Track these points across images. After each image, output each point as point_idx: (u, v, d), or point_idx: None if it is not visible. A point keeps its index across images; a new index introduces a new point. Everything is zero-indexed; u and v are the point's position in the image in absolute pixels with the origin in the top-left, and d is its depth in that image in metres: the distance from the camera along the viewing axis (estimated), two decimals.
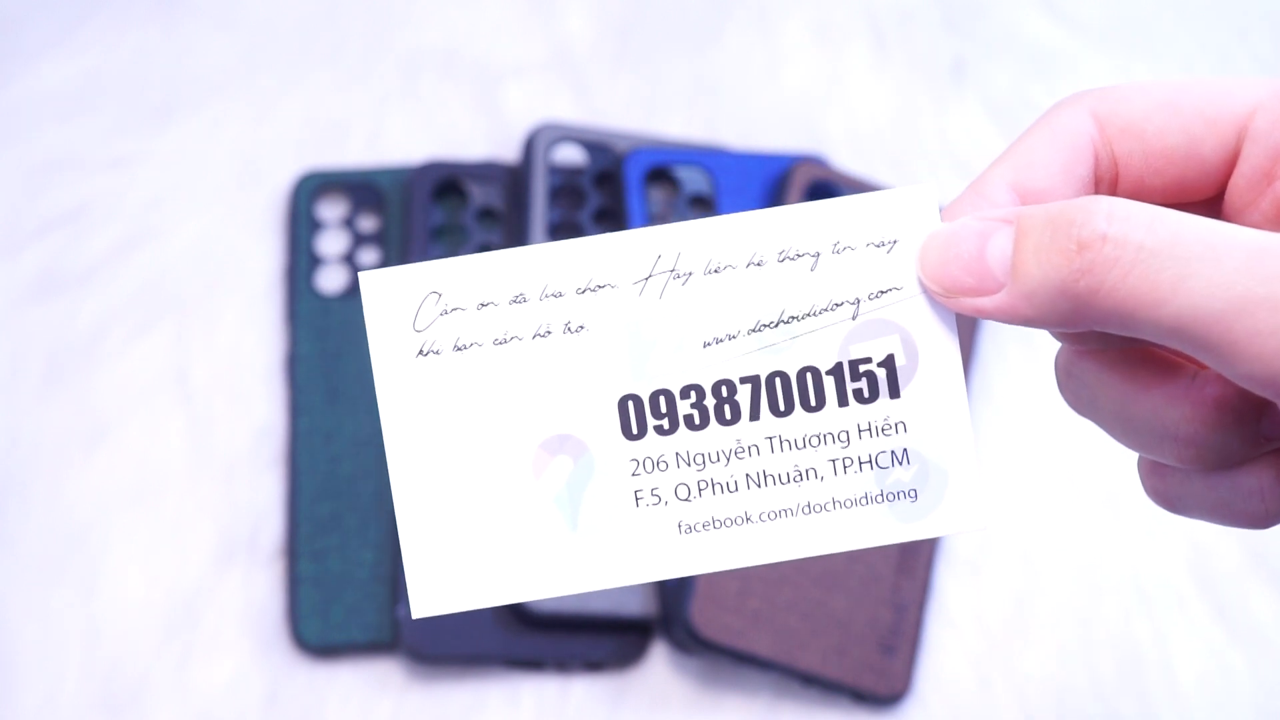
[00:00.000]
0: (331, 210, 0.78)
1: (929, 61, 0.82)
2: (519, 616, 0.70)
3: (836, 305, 0.40)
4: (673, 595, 0.68)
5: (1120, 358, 0.40)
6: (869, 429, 0.40)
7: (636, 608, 0.70)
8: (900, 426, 0.40)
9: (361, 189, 0.77)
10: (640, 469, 0.40)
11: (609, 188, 0.76)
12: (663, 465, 0.40)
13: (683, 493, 0.41)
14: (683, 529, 0.41)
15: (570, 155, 0.77)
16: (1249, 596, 0.73)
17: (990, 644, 0.72)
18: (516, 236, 0.75)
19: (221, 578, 0.72)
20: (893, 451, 0.40)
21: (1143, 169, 0.40)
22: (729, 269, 0.40)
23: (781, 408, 0.40)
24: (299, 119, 0.80)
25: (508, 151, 0.78)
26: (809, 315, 0.40)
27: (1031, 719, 0.71)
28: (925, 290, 0.40)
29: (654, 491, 0.40)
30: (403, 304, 0.40)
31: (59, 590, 0.72)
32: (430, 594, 0.40)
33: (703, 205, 0.76)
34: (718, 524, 0.40)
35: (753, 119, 0.80)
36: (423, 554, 0.40)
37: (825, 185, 0.75)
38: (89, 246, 0.77)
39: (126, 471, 0.73)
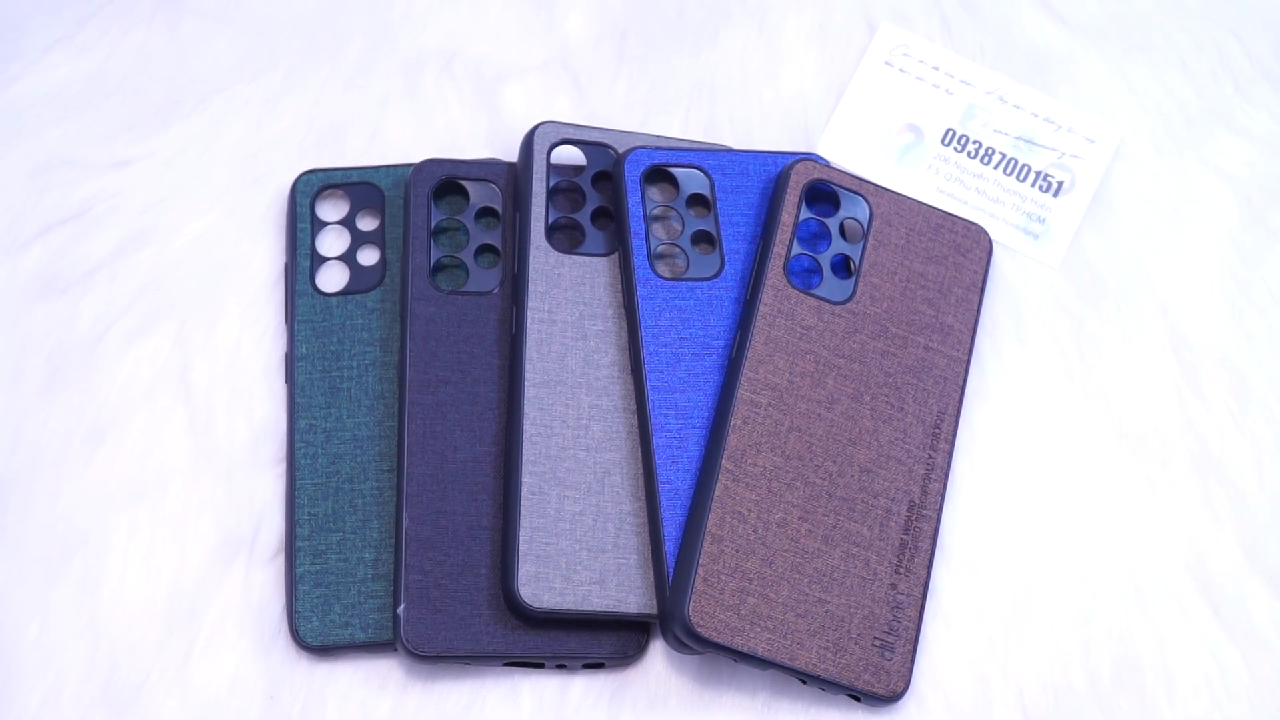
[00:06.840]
0: (331, 210, 0.78)
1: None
2: (518, 615, 0.70)
3: (1055, 148, 0.80)
4: (671, 594, 0.68)
5: None
6: (1037, 200, 0.80)
7: (635, 606, 0.70)
8: (1048, 206, 0.79)
9: (361, 188, 0.78)
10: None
11: (608, 187, 0.76)
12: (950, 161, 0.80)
13: (951, 174, 0.80)
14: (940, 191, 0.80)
15: (569, 155, 0.77)
16: (1246, 597, 0.73)
17: (988, 643, 0.72)
18: (516, 236, 0.75)
19: (222, 577, 0.72)
20: (1040, 215, 0.79)
21: None
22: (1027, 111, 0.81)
23: (1008, 171, 0.80)
24: (300, 119, 0.80)
25: (507, 151, 0.79)
26: (1044, 147, 0.80)
27: (1029, 718, 0.71)
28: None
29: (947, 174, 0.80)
30: None
31: (60, 589, 0.72)
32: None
33: (701, 204, 0.76)
34: (957, 198, 0.80)
35: (751, 119, 0.81)
36: None
37: (823, 184, 0.75)
38: (90, 246, 0.77)
39: (127, 470, 0.74)
